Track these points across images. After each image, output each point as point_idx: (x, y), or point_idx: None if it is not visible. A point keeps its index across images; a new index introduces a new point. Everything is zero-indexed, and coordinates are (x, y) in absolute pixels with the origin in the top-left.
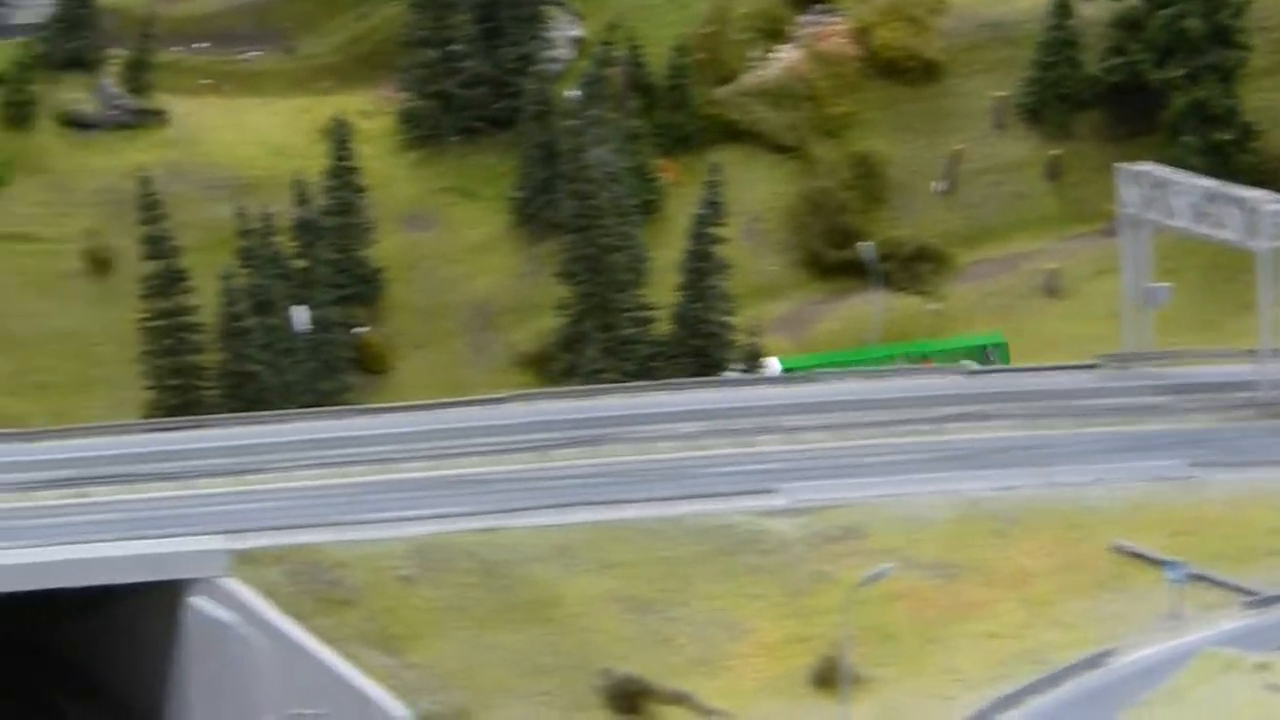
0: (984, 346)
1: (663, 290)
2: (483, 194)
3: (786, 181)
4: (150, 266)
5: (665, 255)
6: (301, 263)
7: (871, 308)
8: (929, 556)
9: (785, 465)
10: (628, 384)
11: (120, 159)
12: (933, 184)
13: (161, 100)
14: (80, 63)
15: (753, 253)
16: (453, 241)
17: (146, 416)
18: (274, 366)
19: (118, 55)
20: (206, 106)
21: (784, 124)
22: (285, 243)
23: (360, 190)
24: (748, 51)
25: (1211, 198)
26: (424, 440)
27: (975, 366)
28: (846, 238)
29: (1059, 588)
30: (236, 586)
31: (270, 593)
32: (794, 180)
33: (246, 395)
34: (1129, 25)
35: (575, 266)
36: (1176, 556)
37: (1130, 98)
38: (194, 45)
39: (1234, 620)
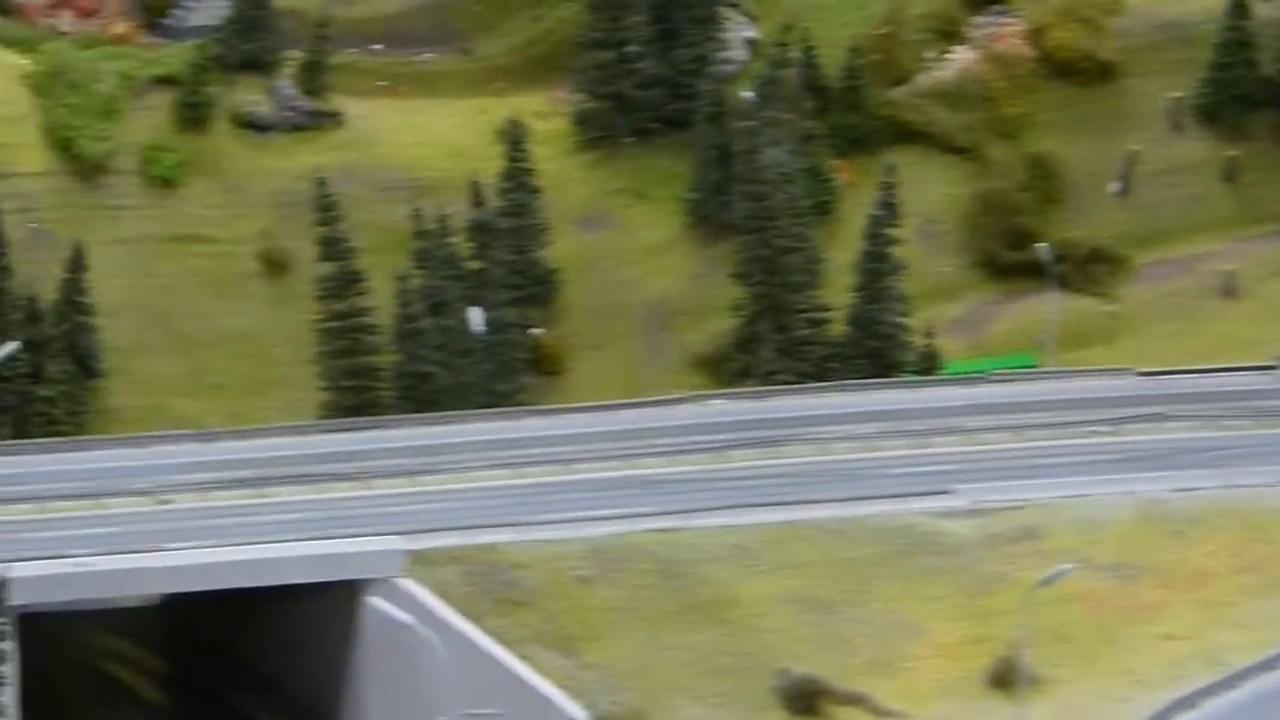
0: (1016, 366)
1: (837, 291)
2: (657, 195)
3: (961, 183)
4: (326, 268)
5: (840, 256)
6: (477, 264)
7: (1046, 309)
8: (1106, 557)
9: (962, 466)
10: (803, 385)
11: (295, 161)
12: (1108, 185)
13: (337, 102)
14: (256, 64)
15: (927, 254)
16: (627, 243)
17: (322, 417)
18: (449, 367)
19: (293, 57)
20: (382, 108)
21: (959, 125)
22: (460, 244)
23: (535, 191)
24: (923, 52)
25: None
26: (600, 441)
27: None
28: (1021, 239)
29: (1237, 589)
30: (413, 587)
31: (447, 593)
32: (969, 181)
33: (422, 396)
34: None
35: (750, 267)
36: None
37: None
38: (369, 47)
39: None
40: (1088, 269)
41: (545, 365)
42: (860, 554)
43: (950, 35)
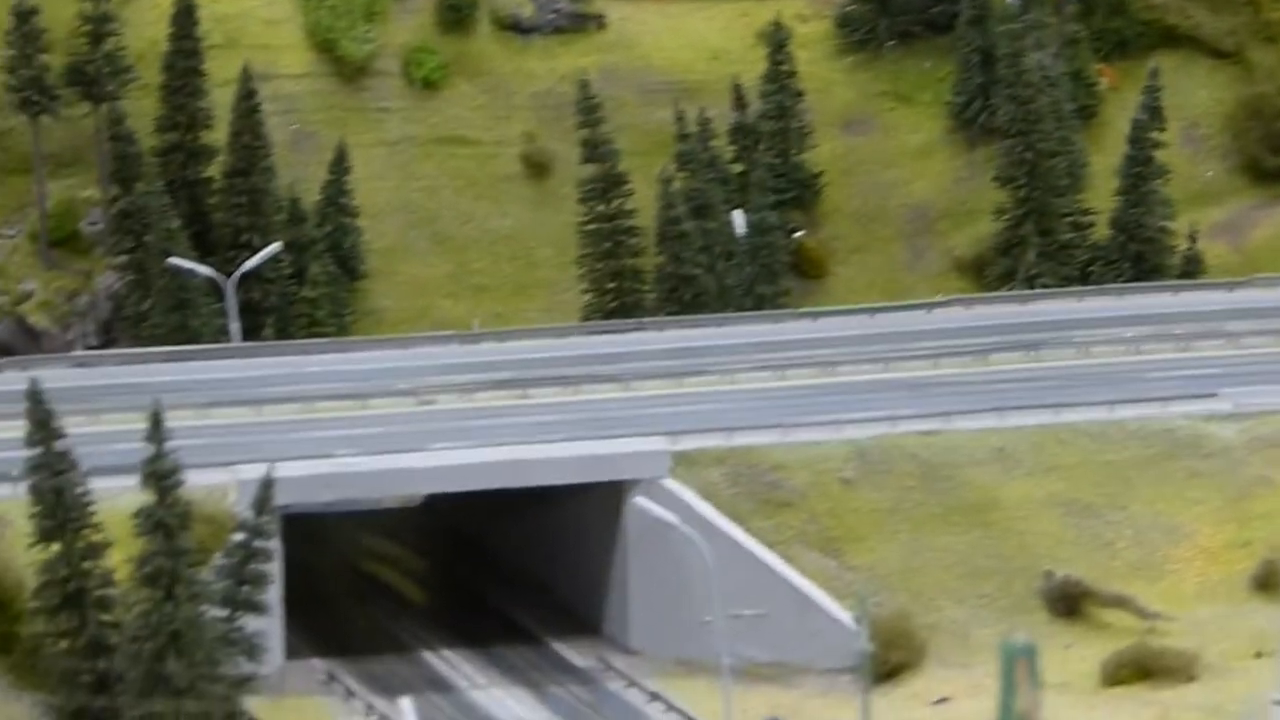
0: None
1: (1101, 196)
2: (920, 99)
3: (1225, 87)
4: (588, 170)
5: (1103, 161)
6: (739, 167)
7: None
8: None
9: (1228, 370)
10: (1066, 289)
11: (557, 63)
12: None
13: (599, 4)
14: None
15: (1191, 159)
16: (890, 146)
17: (585, 320)
18: (712, 270)
19: None
20: (644, 10)
21: (1223, 29)
22: (723, 147)
23: (797, 95)
24: None
25: None
26: (862, 344)
27: None
28: None
29: None
30: (678, 487)
31: (711, 494)
32: (1233, 86)
33: (684, 299)
34: None
35: (1013, 171)
36: None
37: None
38: None
39: None
40: None
41: (808, 268)
42: (1122, 457)
43: None
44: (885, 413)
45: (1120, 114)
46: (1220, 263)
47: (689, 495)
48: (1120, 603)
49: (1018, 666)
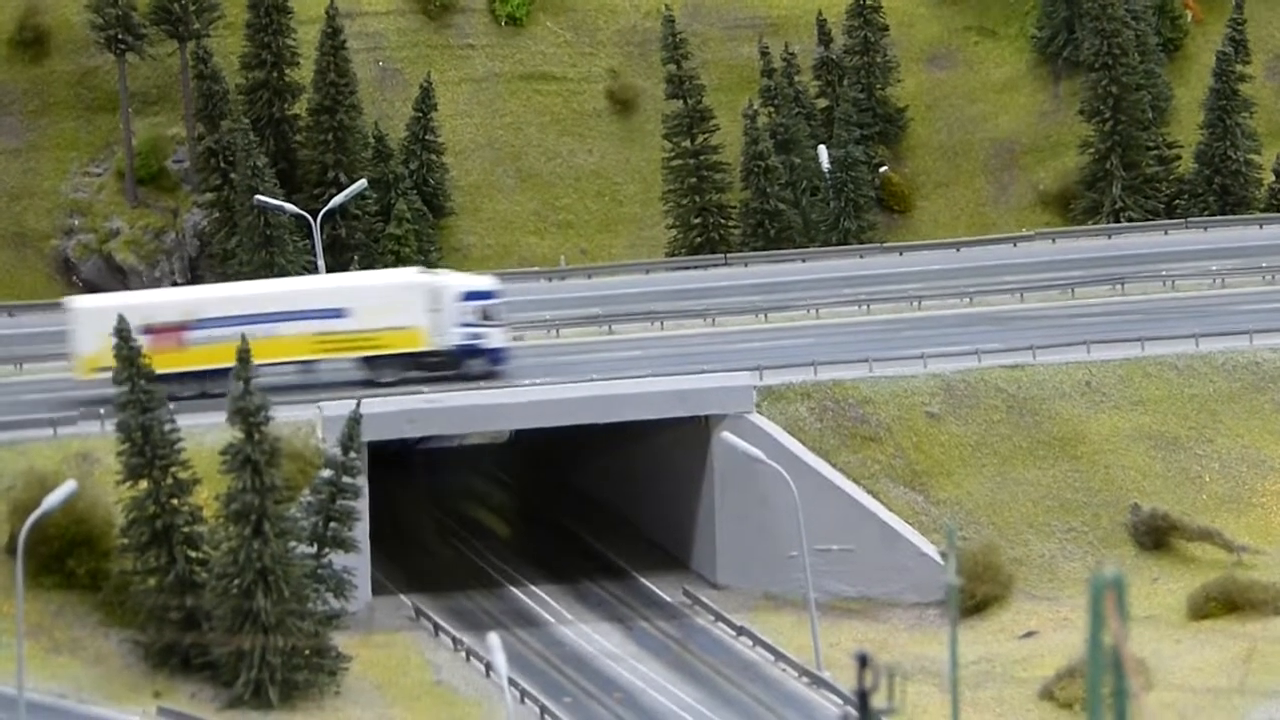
0: None
1: (1186, 129)
2: (1005, 32)
3: None
4: (673, 106)
5: (1188, 94)
6: (824, 102)
7: None
8: None
9: None
10: (1151, 222)
11: None
12: None
13: None
14: None
15: (1276, 92)
16: (975, 80)
17: (670, 255)
18: (797, 205)
19: None
20: None
21: None
22: (807, 82)
23: (882, 29)
24: None
25: None
26: (949, 278)
27: None
28: None
29: None
30: (764, 422)
31: (796, 429)
32: None
33: (770, 234)
34: None
35: (1098, 105)
36: None
37: None
38: None
39: None
40: None
41: (893, 203)
42: (1208, 390)
43: None
44: (971, 347)
45: (1205, 47)
46: None
47: (775, 430)
48: (1207, 536)
49: (1106, 599)
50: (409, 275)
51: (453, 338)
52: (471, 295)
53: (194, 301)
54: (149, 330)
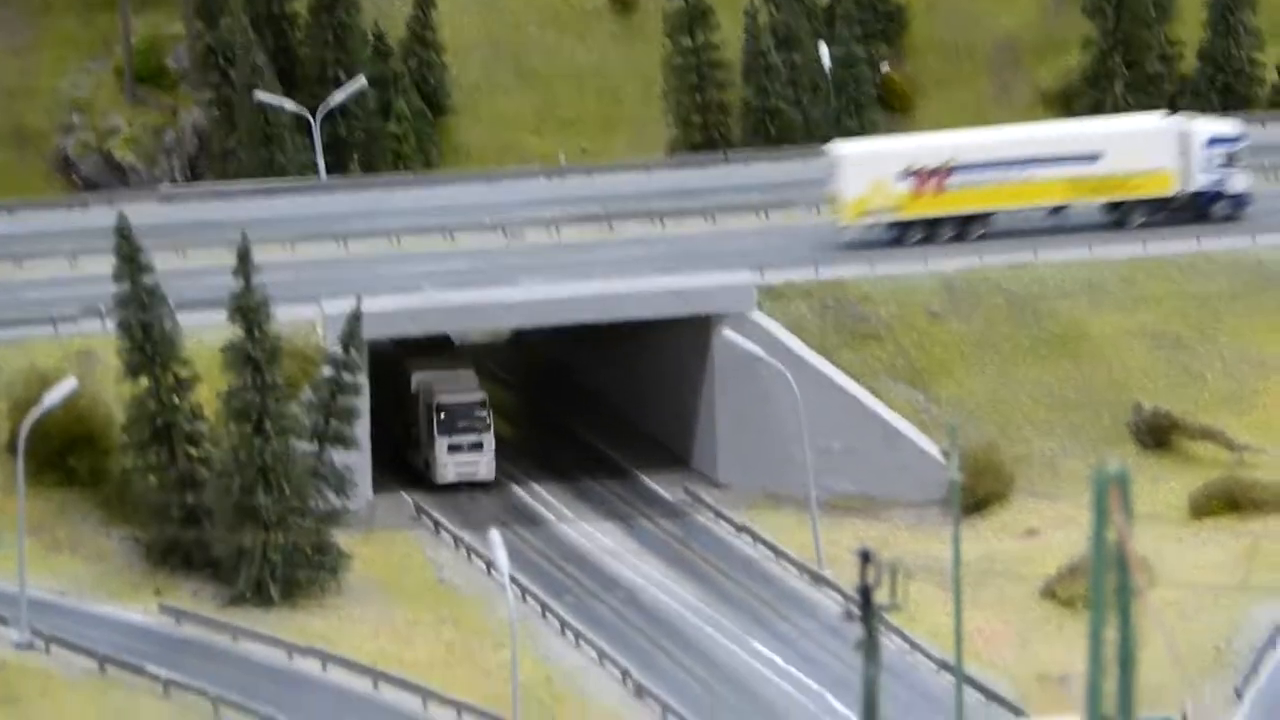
0: None
1: (1189, 27)
2: None
3: None
4: (674, 4)
5: None
6: (825, 0)
7: None
8: None
9: None
10: None
11: None
12: None
13: None
14: None
15: None
16: None
17: (671, 154)
18: (798, 104)
19: None
20: None
21: None
22: None
23: None
24: None
25: None
26: None
27: None
28: None
29: None
30: (765, 320)
31: (798, 327)
32: None
33: (770, 132)
34: None
35: (1101, 2)
36: None
37: None
38: None
39: None
40: None
41: (894, 102)
42: (1212, 289)
43: None
44: (972, 246)
45: None
46: None
47: (776, 328)
48: (1209, 435)
49: (1110, 494)
50: (1160, 120)
51: (1199, 182)
52: (1216, 140)
53: (956, 146)
54: (911, 174)
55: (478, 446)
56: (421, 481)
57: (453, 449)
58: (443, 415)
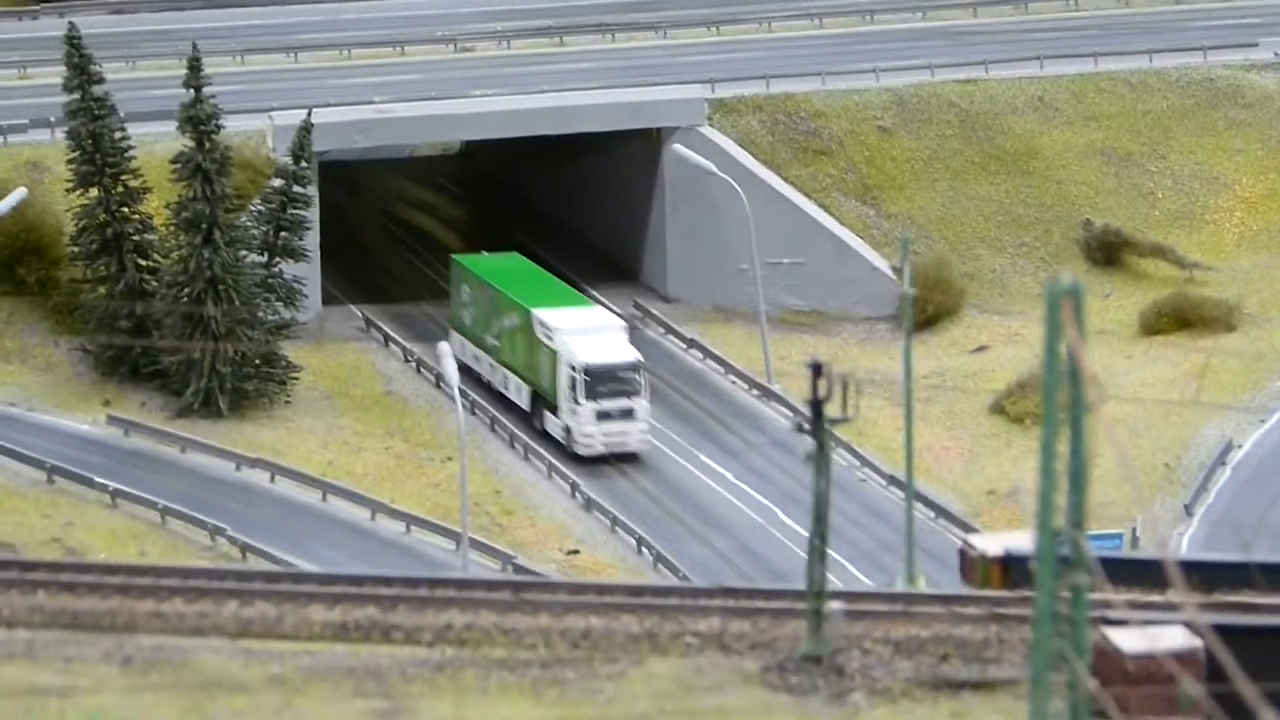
0: None
1: None
2: None
3: None
4: None
5: None
6: None
7: None
8: None
9: (1268, 20)
10: None
11: None
12: None
13: None
14: None
15: None
16: None
17: None
18: None
19: None
20: None
21: None
22: None
23: None
24: None
25: None
26: None
27: None
28: None
29: None
30: (716, 135)
31: (748, 141)
32: None
33: None
34: None
35: None
36: None
37: None
38: None
39: None
40: None
41: None
42: (1162, 106)
43: None
44: (924, 61)
45: None
46: None
47: (726, 143)
48: (1159, 252)
49: (1063, 306)
50: None
51: None
52: None
53: None
54: None
55: (629, 414)
56: (371, 294)
57: (601, 416)
58: (589, 378)
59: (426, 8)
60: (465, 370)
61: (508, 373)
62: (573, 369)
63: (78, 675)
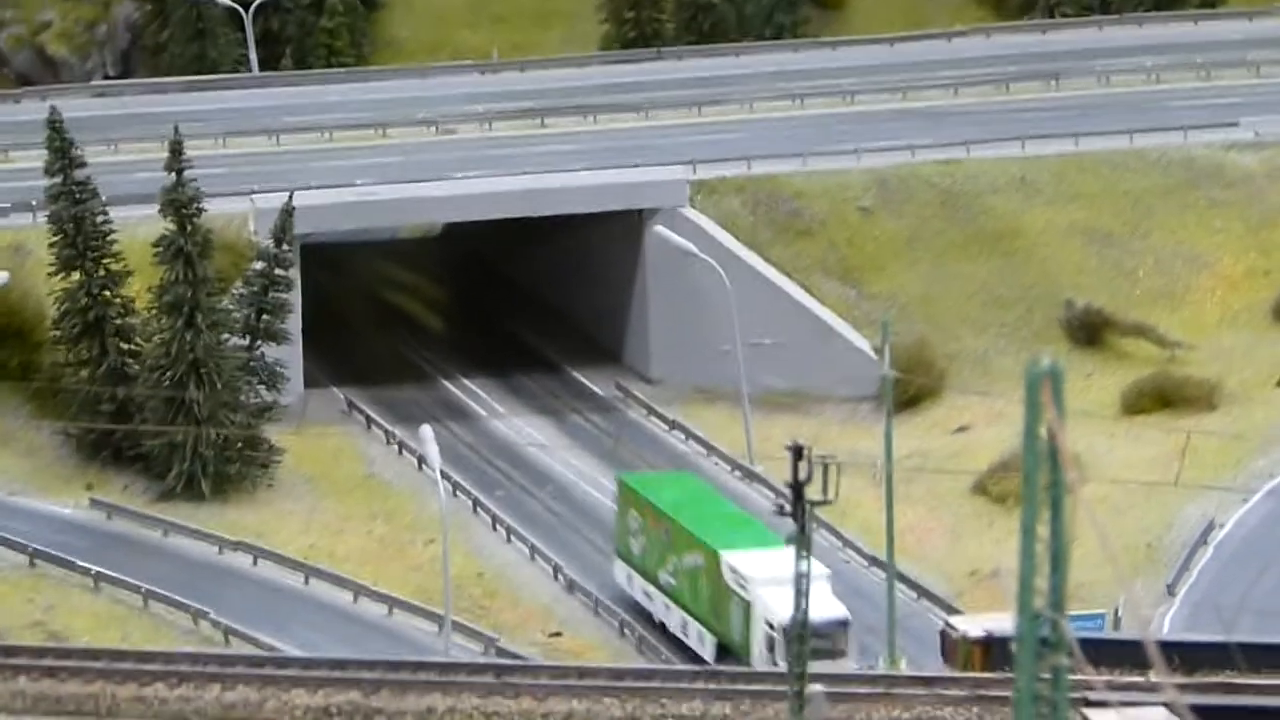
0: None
1: None
2: None
3: None
4: None
5: None
6: None
7: None
8: None
9: (1248, 99)
10: (1087, 17)
11: None
12: None
13: None
14: None
15: None
16: None
17: (603, 49)
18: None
19: None
20: None
21: None
22: None
23: None
24: None
25: None
26: (882, 73)
27: None
28: None
29: None
30: (698, 216)
31: (730, 222)
32: None
33: (703, 28)
34: None
35: None
36: None
37: None
38: None
39: None
40: None
41: None
42: (1143, 186)
43: None
44: (905, 141)
45: None
46: None
47: (708, 224)
48: (1141, 331)
49: (1042, 388)
50: None
51: None
52: None
53: None
54: None
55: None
56: (354, 376)
57: None
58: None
59: (408, 90)
60: (635, 608)
61: (687, 617)
62: (771, 627)
63: None
